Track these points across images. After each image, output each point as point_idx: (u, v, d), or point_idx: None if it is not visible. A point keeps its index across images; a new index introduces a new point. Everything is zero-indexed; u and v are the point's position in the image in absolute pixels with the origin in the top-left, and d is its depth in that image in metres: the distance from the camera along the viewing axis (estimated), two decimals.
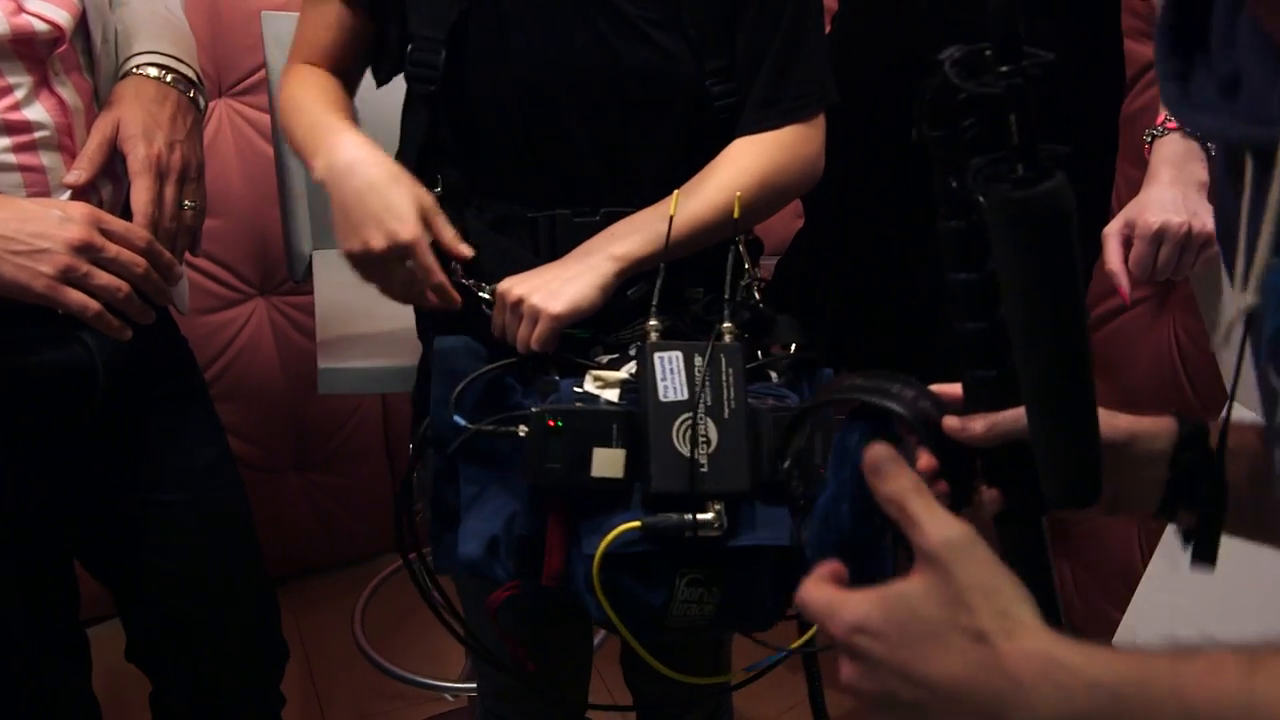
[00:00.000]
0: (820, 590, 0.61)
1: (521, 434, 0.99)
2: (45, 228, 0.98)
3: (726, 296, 1.09)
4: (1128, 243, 1.22)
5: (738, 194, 1.08)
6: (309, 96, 1.14)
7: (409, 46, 1.09)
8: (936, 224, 0.61)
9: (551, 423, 0.97)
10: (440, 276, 1.06)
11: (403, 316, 1.24)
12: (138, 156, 1.06)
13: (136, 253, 1.03)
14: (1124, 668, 0.52)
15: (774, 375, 1.11)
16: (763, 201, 1.12)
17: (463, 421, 1.01)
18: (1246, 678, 0.49)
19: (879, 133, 1.21)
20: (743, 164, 1.11)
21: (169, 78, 1.13)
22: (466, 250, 1.08)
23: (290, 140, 1.16)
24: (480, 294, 1.08)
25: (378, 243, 1.03)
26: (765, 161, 1.11)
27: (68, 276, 0.99)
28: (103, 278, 1.00)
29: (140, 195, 1.06)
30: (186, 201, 1.11)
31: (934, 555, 0.56)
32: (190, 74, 1.16)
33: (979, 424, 0.65)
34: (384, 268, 1.06)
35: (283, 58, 1.24)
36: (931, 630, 0.56)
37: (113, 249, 1.01)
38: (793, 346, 1.13)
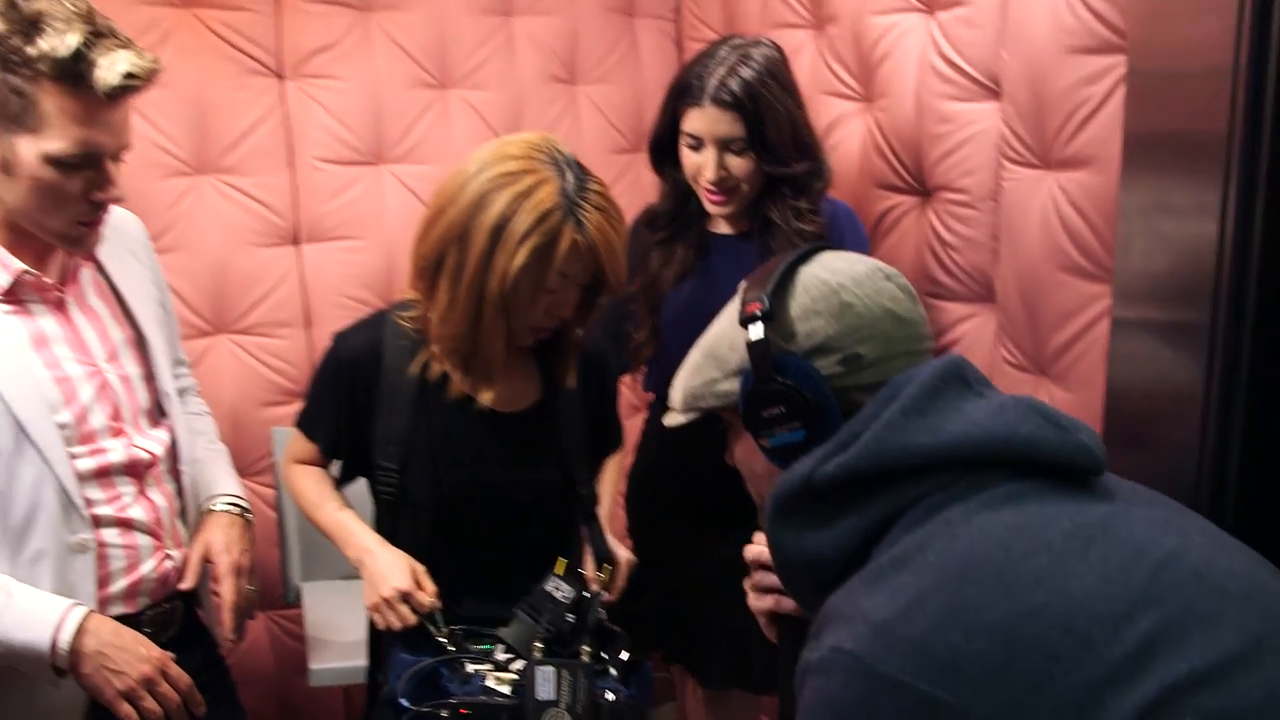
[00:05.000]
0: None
1: (444, 716, 1.53)
2: (130, 658, 1.46)
3: (583, 626, 1.68)
4: None
5: None
6: (317, 490, 1.79)
7: (377, 471, 1.73)
8: None
9: (464, 710, 1.51)
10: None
11: (357, 631, 1.82)
12: (223, 564, 1.64)
13: (179, 693, 1.50)
14: None
15: (613, 672, 1.68)
16: None
17: (405, 703, 1.56)
18: None
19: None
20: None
21: (235, 510, 1.72)
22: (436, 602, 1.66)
23: (302, 507, 1.81)
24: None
25: (389, 594, 1.64)
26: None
27: (128, 695, 1.47)
28: (149, 703, 1.47)
29: (227, 590, 1.63)
30: (249, 586, 1.67)
31: None
32: (245, 504, 1.75)
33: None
34: (390, 607, 1.64)
35: None
36: None
37: (164, 687, 1.48)
38: (624, 654, 1.72)
